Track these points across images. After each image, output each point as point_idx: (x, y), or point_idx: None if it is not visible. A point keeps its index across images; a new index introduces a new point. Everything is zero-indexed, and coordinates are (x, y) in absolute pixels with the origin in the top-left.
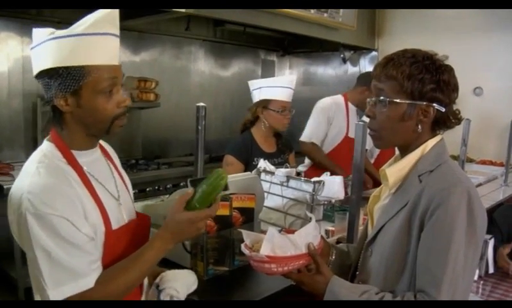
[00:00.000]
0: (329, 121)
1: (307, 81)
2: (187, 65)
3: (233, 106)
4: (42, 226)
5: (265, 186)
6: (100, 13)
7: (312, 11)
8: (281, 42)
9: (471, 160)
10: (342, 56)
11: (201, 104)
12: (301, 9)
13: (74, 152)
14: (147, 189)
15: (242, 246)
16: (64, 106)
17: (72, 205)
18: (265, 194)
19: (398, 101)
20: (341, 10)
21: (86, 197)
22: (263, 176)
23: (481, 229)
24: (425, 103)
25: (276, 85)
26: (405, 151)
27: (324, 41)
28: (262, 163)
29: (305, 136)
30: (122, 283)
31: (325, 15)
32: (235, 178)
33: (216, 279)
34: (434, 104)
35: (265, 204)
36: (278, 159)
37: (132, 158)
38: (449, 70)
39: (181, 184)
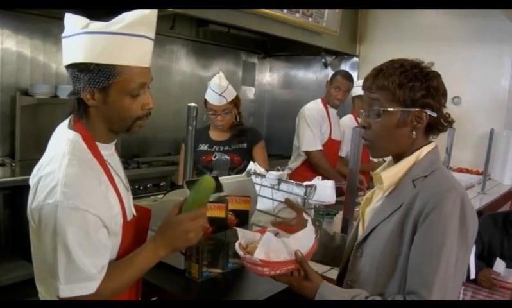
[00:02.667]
0: (320, 126)
1: (287, 84)
2: (169, 64)
3: None
4: (72, 220)
5: (256, 188)
6: (137, 13)
7: (297, 14)
8: (264, 44)
9: (449, 168)
10: (323, 60)
11: (193, 104)
12: (286, 13)
13: (98, 144)
14: None
15: (236, 245)
16: (90, 100)
17: (103, 201)
18: None
19: (391, 109)
20: (326, 15)
21: (110, 190)
22: (253, 178)
23: (472, 233)
24: (417, 109)
25: (211, 86)
26: (399, 157)
27: (306, 45)
28: (252, 166)
29: (309, 146)
30: (111, 288)
31: (310, 19)
32: (229, 180)
33: (210, 281)
34: (426, 110)
35: None
36: (225, 147)
37: None
38: (437, 76)
39: (161, 184)
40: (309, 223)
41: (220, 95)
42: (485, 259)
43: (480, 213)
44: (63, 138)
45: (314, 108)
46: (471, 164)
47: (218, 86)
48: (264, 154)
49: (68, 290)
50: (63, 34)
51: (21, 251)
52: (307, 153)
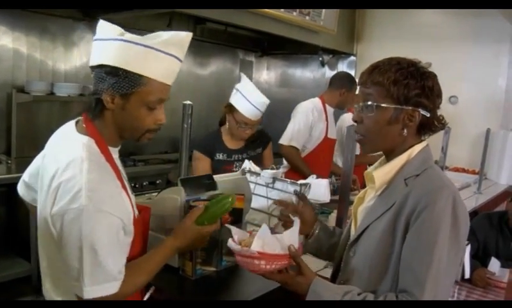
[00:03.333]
0: (311, 125)
1: (285, 82)
2: None
3: (209, 105)
4: (98, 223)
5: (251, 187)
6: (173, 34)
7: (295, 13)
8: (261, 43)
9: (445, 167)
10: (320, 59)
11: (188, 102)
12: (284, 11)
13: (109, 148)
14: None
15: (230, 240)
16: (109, 103)
17: (122, 203)
18: None
19: (384, 105)
20: (323, 14)
21: (122, 192)
22: (248, 176)
23: (464, 232)
24: (410, 108)
25: (247, 97)
26: (391, 155)
27: (304, 43)
28: (247, 164)
29: (284, 139)
30: (134, 284)
31: (307, 17)
32: (223, 178)
33: (204, 279)
34: (419, 109)
35: None
36: (243, 155)
37: None
38: (433, 76)
39: (158, 182)
40: (295, 223)
41: (262, 112)
42: (480, 259)
43: (475, 212)
44: (77, 143)
45: (309, 107)
46: (467, 164)
47: (263, 104)
48: (271, 155)
49: (92, 291)
50: (96, 37)
51: (17, 248)
52: (280, 146)
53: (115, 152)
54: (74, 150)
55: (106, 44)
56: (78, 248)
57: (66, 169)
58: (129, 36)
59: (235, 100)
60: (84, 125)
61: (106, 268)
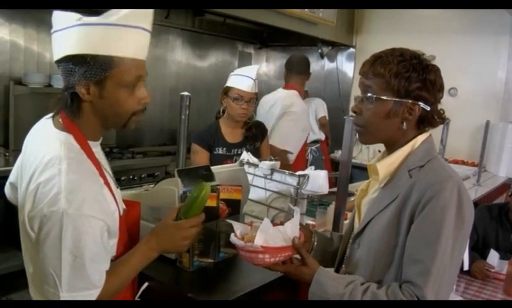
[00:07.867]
0: (306, 129)
1: (284, 74)
2: (164, 53)
3: (209, 97)
4: (79, 227)
5: (249, 178)
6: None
7: None
8: (260, 35)
9: (444, 160)
10: (320, 51)
11: (186, 93)
12: None
13: (89, 143)
14: (122, 178)
15: (232, 235)
16: (85, 94)
17: (104, 203)
18: None
19: (384, 98)
20: None
21: (105, 189)
22: (246, 168)
23: (468, 223)
24: (410, 101)
25: (238, 73)
26: (391, 147)
27: (303, 35)
28: (245, 155)
29: (278, 141)
30: (111, 287)
31: (306, 9)
32: (221, 169)
33: (201, 271)
34: (420, 103)
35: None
36: (242, 149)
37: (106, 146)
38: (435, 70)
39: (156, 174)
40: (298, 213)
41: (253, 80)
42: (479, 251)
43: (475, 204)
44: (54, 140)
45: (305, 108)
46: (467, 156)
47: (253, 71)
48: (268, 146)
49: (70, 298)
50: (53, 29)
51: (15, 241)
52: (271, 146)
53: (96, 146)
54: (52, 149)
55: (66, 33)
56: (57, 252)
57: (44, 169)
58: (87, 19)
59: (230, 81)
60: (60, 120)
61: (89, 275)
